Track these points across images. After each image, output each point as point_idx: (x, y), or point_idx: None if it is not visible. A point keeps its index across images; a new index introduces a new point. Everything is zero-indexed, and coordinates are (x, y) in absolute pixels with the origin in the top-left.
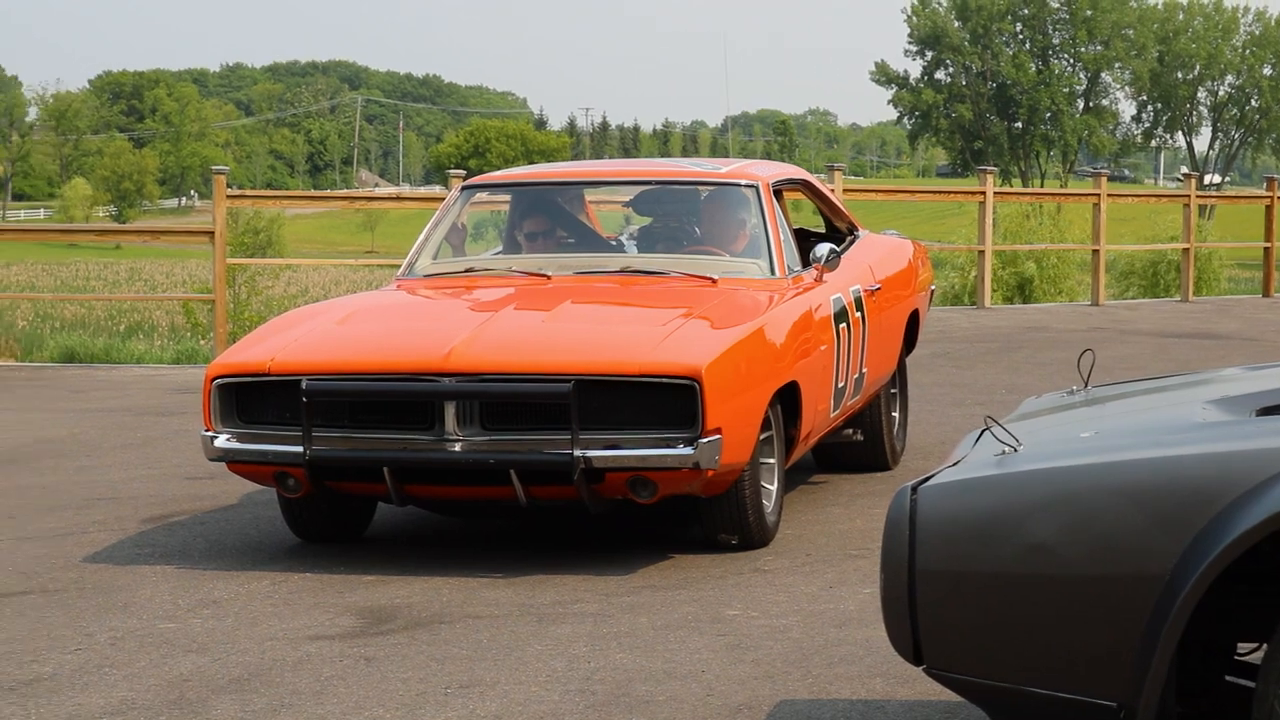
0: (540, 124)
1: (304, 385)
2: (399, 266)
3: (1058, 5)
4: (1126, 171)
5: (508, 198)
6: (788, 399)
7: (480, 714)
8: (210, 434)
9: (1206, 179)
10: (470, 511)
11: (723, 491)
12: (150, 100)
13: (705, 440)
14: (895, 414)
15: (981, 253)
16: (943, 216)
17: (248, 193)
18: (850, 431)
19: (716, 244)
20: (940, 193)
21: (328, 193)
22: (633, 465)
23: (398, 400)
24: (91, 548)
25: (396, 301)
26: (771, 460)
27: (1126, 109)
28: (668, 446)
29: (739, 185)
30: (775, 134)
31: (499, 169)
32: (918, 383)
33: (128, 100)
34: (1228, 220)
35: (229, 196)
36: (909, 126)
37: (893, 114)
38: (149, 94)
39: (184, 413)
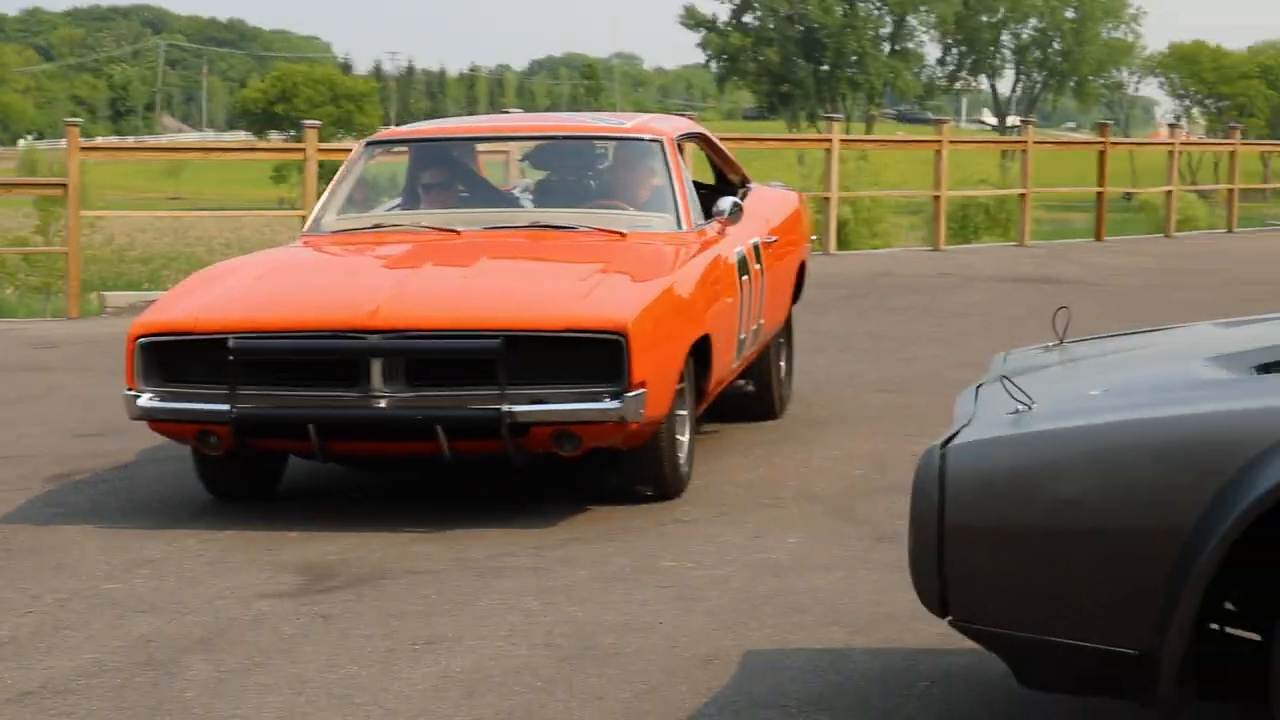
0: (346, 69)
1: (230, 344)
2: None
3: None
4: (929, 114)
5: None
6: (700, 351)
7: (455, 670)
8: (133, 393)
9: (1009, 121)
10: (389, 467)
11: (642, 443)
12: None
13: (631, 394)
14: (783, 363)
15: (827, 199)
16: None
17: (100, 144)
18: (743, 382)
19: (622, 199)
20: (789, 140)
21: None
22: (559, 419)
23: (324, 358)
24: (1, 508)
25: (310, 258)
26: (684, 412)
27: (932, 52)
28: (594, 400)
29: (644, 140)
30: (582, 78)
31: (306, 114)
32: None
33: None
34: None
35: (82, 149)
36: (717, 70)
37: (699, 57)
38: None
39: (52, 368)
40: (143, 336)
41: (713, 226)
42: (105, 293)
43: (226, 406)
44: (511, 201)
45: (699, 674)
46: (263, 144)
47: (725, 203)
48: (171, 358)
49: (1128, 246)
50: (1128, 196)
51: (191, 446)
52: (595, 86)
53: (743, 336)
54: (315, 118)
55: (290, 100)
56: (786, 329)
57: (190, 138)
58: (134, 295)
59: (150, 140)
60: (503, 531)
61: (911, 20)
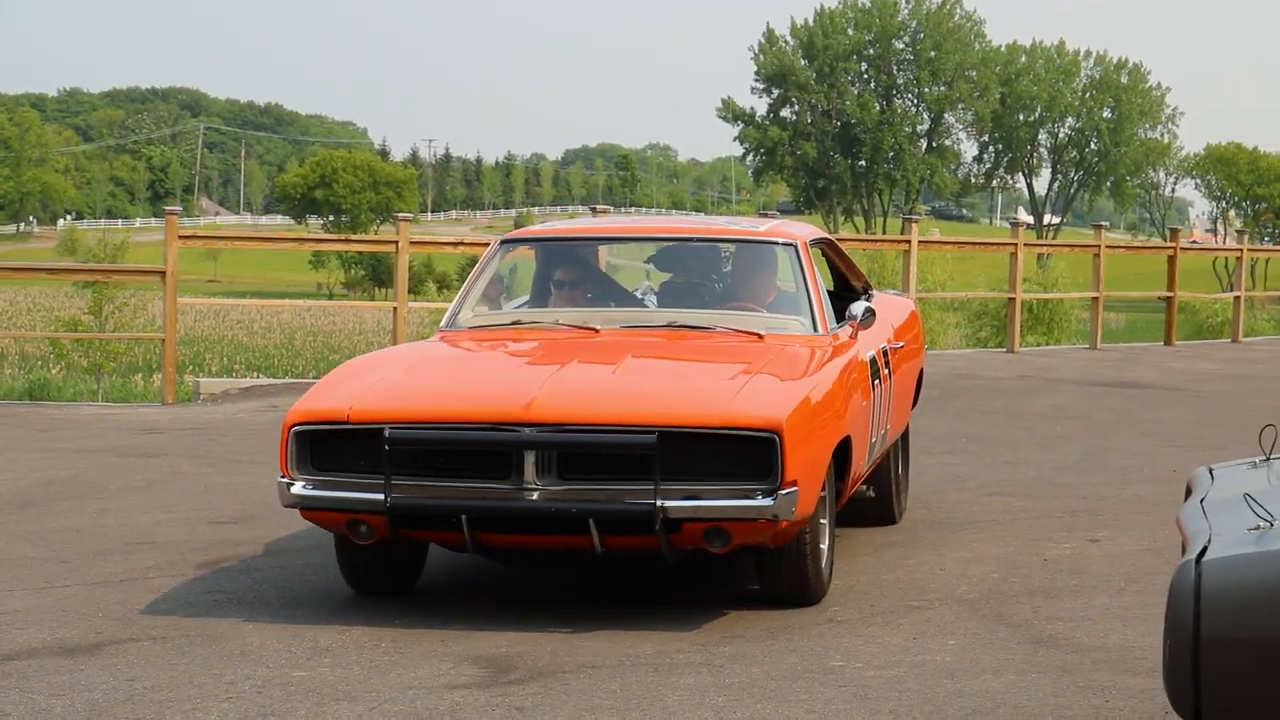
0: (384, 155)
1: (387, 433)
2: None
3: (902, 46)
4: (965, 211)
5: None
6: (840, 453)
7: None
8: (287, 480)
9: (1046, 219)
10: (537, 561)
11: (788, 542)
12: None
13: (784, 492)
14: (901, 469)
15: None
16: None
17: (200, 233)
18: (865, 488)
19: (753, 301)
20: (869, 240)
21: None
22: (711, 516)
23: (479, 449)
24: (162, 592)
25: (455, 354)
26: (825, 515)
27: (969, 149)
28: (747, 498)
29: (778, 244)
30: (617, 168)
31: (346, 200)
32: None
33: None
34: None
35: (181, 237)
36: (754, 163)
37: (733, 149)
38: None
39: (167, 454)
40: (298, 424)
41: (845, 330)
42: (199, 379)
43: (381, 495)
44: (636, 302)
45: None
46: (356, 236)
47: (858, 307)
48: (325, 447)
49: (1197, 351)
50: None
51: (338, 537)
52: (631, 177)
53: (873, 440)
54: (355, 203)
55: (330, 185)
56: (904, 435)
57: (229, 221)
58: (226, 382)
59: (224, 227)
60: (663, 629)
61: (949, 117)
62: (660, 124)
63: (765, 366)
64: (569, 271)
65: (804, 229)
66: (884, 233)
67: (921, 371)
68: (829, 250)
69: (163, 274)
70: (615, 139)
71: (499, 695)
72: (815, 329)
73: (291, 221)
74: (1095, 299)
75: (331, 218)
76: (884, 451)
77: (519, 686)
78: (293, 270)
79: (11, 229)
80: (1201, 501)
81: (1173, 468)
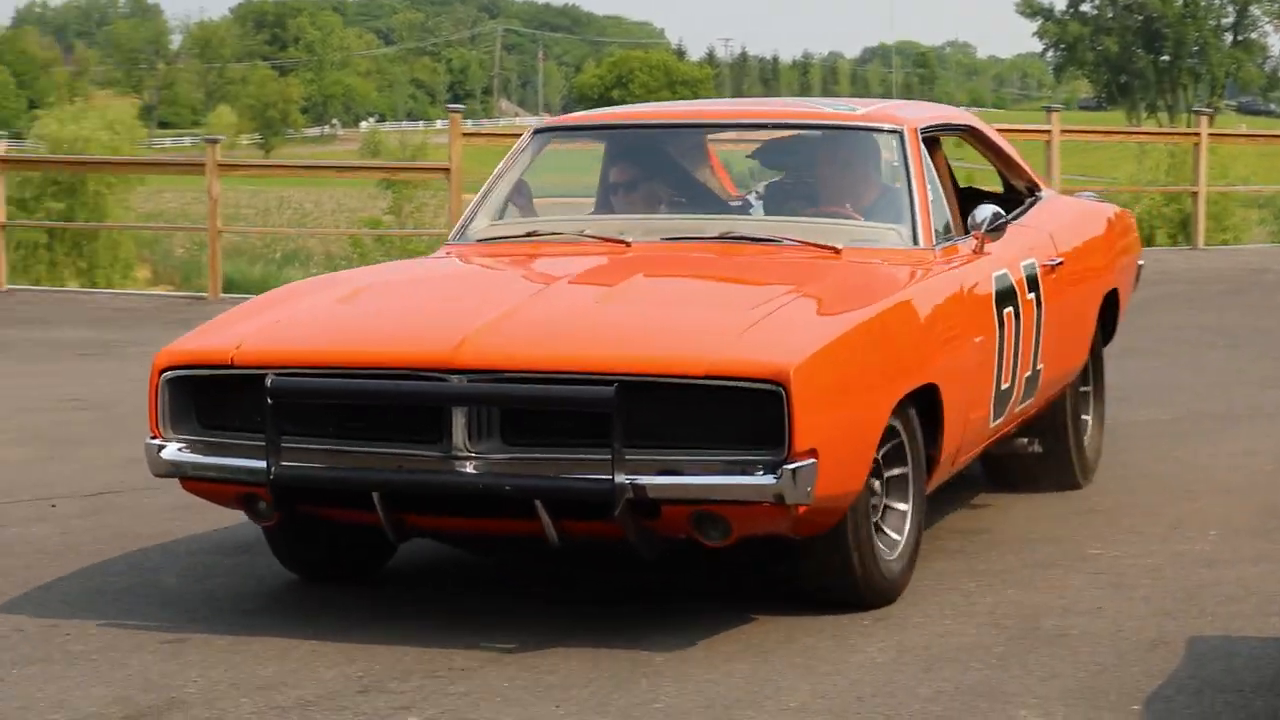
0: (680, 55)
1: (269, 382)
2: None
3: None
4: (1273, 106)
5: (591, 144)
6: (926, 406)
7: (910, 644)
8: (157, 442)
9: None
10: (493, 546)
11: (823, 532)
12: (293, 29)
13: (794, 465)
14: (1087, 417)
15: (1195, 194)
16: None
17: (484, 131)
18: (1025, 441)
19: (849, 205)
20: (1157, 134)
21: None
22: (696, 497)
23: (389, 405)
24: None
25: (426, 274)
26: (904, 488)
27: (1276, 42)
28: (742, 473)
29: (877, 130)
30: (915, 66)
31: (643, 100)
32: (1157, 323)
33: (270, 29)
34: None
35: (465, 135)
36: (1054, 59)
37: (1033, 46)
38: (291, 23)
39: None
40: (170, 369)
41: (966, 244)
42: None
43: (263, 463)
44: (729, 208)
45: (1149, 657)
46: None
47: (983, 212)
48: (212, 399)
49: None
50: None
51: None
52: (929, 75)
53: (1006, 386)
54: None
55: (626, 86)
56: (1096, 373)
57: (528, 121)
58: None
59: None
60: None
61: (1254, 10)
62: (959, 20)
63: (813, 292)
64: (626, 170)
65: (919, 112)
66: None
67: (1115, 294)
68: (975, 140)
69: (447, 171)
70: (914, 36)
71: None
72: (915, 241)
73: None
74: None
75: None
76: (1044, 398)
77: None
78: (588, 173)
79: (316, 132)
80: None
81: None
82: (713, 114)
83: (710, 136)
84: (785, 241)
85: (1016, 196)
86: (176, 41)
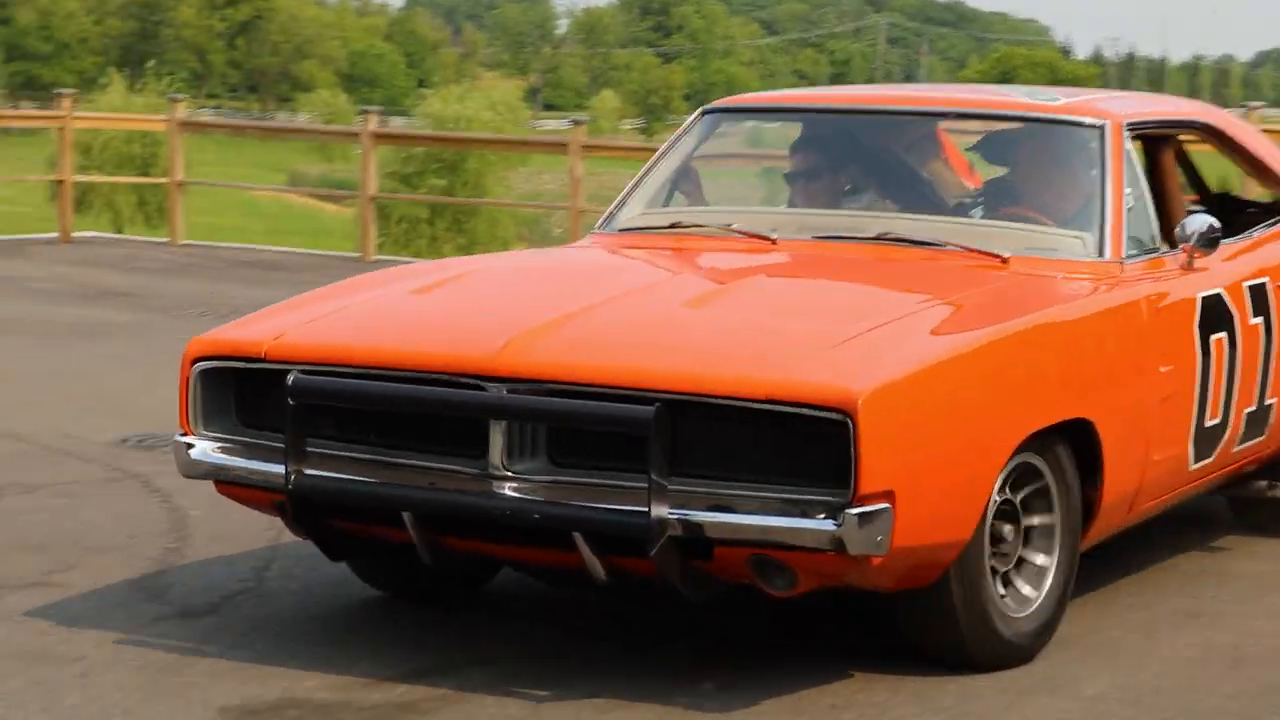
0: (1065, 53)
1: (290, 380)
2: None
3: None
4: None
5: (771, 126)
6: (1084, 443)
7: (1218, 643)
8: (187, 439)
9: None
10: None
11: (924, 586)
12: (677, 17)
13: (859, 510)
14: None
15: None
16: None
17: None
18: (1264, 485)
19: (1039, 208)
20: None
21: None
22: (747, 538)
23: (418, 413)
24: None
25: (531, 265)
26: (1049, 539)
27: None
28: (801, 515)
29: (1075, 124)
30: None
31: None
32: None
33: (656, 16)
34: None
35: None
36: None
37: None
38: (676, 10)
39: None
40: (201, 359)
41: (1174, 258)
42: None
43: (282, 469)
44: (932, 204)
45: None
46: None
47: (1195, 223)
48: (252, 394)
49: None
50: None
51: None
52: None
53: (1214, 422)
54: None
55: (1009, 81)
56: None
57: None
58: None
59: None
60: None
61: None
62: None
63: (943, 308)
64: (808, 158)
65: (1133, 105)
66: None
67: None
68: (1216, 141)
69: None
70: None
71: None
72: (1101, 252)
73: None
74: None
75: None
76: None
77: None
78: None
79: None
80: None
81: None
82: (889, 99)
83: (880, 122)
84: (948, 246)
85: (1274, 206)
86: (563, 26)
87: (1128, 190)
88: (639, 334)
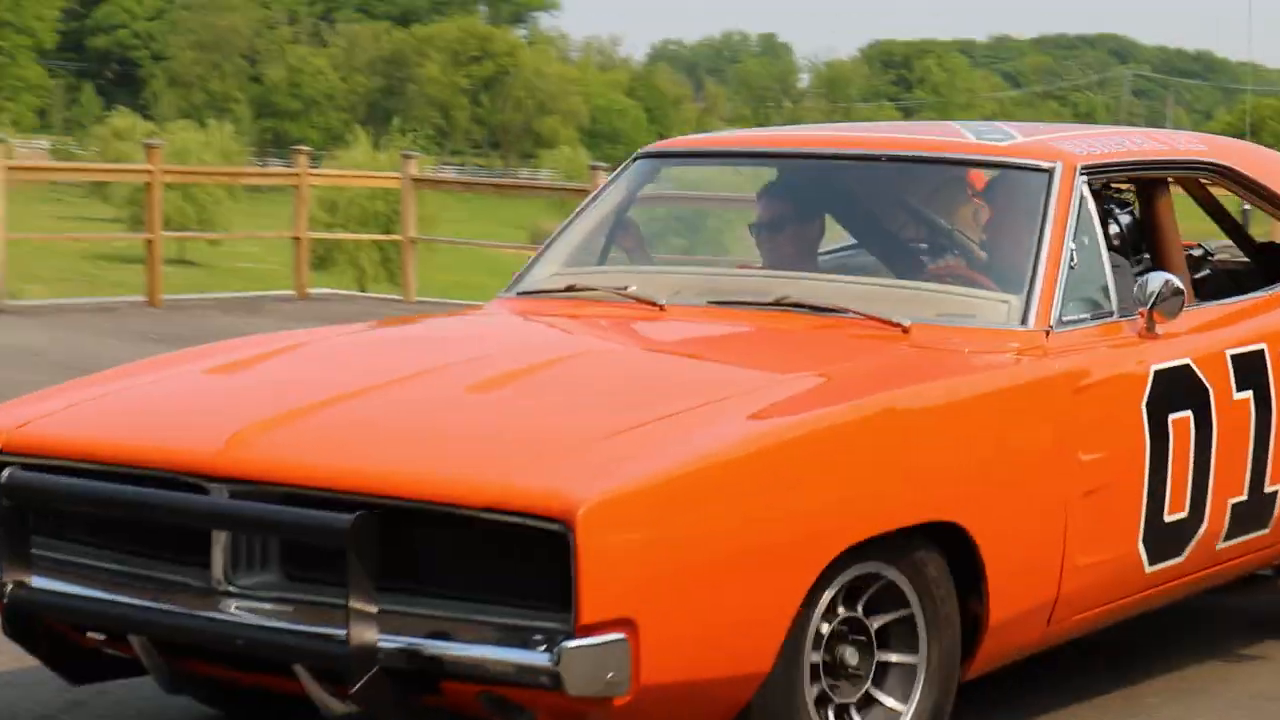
0: None
1: (3, 477)
2: None
3: None
4: None
5: (707, 171)
6: (961, 560)
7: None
8: None
9: None
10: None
11: None
12: (919, 70)
13: (580, 642)
14: None
15: None
16: None
17: None
18: (1271, 572)
19: (973, 264)
20: None
21: None
22: (466, 671)
23: (135, 518)
24: None
25: (363, 340)
26: (908, 675)
27: None
28: (520, 645)
29: (1015, 167)
30: None
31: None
32: None
33: (898, 69)
34: None
35: None
36: None
37: None
38: (918, 63)
39: None
40: None
41: (1133, 324)
42: None
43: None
44: (881, 260)
45: None
46: None
47: (1154, 281)
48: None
49: None
50: None
51: None
52: None
53: (1176, 517)
54: None
55: (1256, 134)
56: None
57: None
58: None
59: None
60: None
61: None
62: None
63: (776, 391)
64: (773, 207)
65: (1099, 144)
66: None
67: None
68: (1236, 185)
69: None
70: None
71: None
72: (1023, 320)
73: None
74: None
75: None
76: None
77: None
78: None
79: None
80: None
81: None
82: (824, 140)
83: (804, 167)
84: (848, 313)
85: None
86: (805, 80)
87: (1076, 245)
88: (373, 427)
